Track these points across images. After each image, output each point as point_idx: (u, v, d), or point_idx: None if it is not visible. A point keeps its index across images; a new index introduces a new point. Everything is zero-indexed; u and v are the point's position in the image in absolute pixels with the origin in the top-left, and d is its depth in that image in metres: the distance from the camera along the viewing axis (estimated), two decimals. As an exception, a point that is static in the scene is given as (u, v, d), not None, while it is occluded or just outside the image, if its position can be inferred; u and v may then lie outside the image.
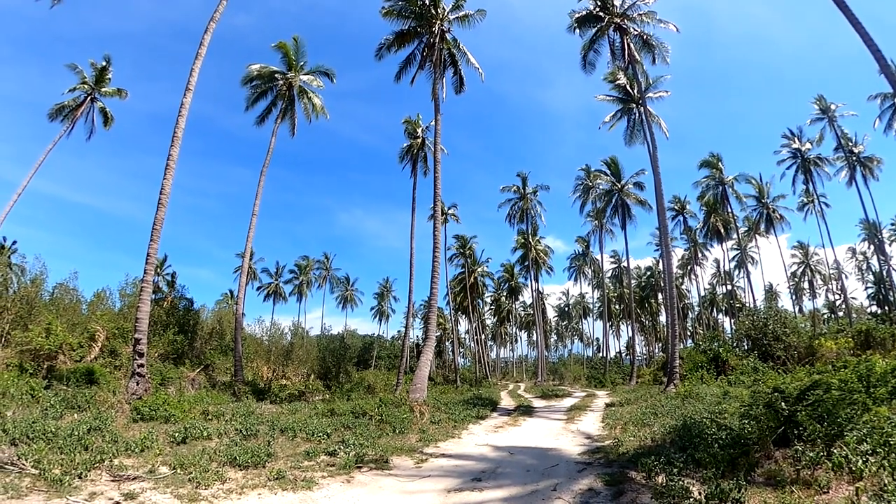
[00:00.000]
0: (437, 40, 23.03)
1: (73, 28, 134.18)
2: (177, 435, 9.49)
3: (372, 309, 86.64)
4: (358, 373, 35.29)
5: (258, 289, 73.55)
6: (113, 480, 6.59)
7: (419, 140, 35.00)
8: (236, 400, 18.38)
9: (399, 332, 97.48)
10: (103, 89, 32.63)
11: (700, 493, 5.57)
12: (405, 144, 35.56)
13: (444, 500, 6.58)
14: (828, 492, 5.17)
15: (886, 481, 4.70)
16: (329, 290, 78.38)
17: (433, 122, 24.72)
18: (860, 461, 5.44)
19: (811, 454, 6.06)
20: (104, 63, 32.42)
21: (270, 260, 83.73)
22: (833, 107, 40.80)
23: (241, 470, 7.56)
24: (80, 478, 6.53)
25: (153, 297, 20.92)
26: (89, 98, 32.44)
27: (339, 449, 9.29)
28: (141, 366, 14.93)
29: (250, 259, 30.94)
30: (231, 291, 70.79)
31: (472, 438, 12.37)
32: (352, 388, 24.84)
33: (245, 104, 27.87)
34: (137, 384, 14.60)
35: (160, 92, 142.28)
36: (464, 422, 14.92)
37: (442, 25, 23.19)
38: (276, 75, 27.83)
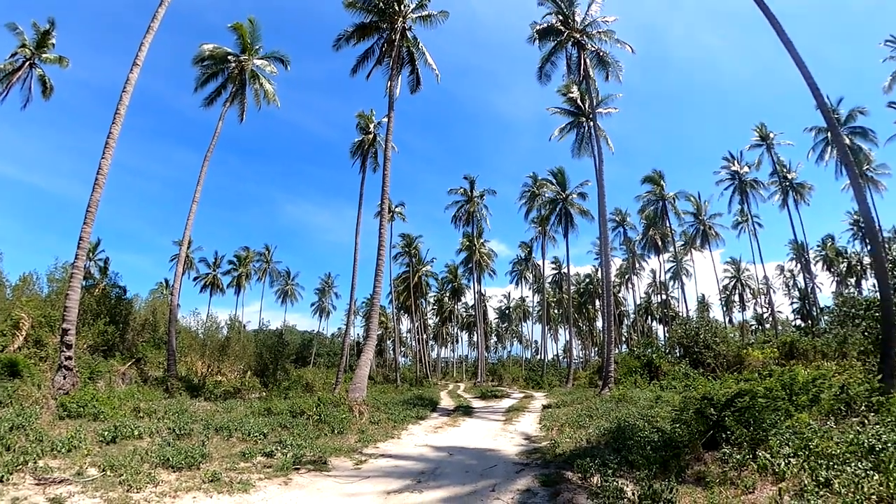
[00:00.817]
0: (397, 37, 22.78)
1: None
2: (106, 434, 8.87)
3: (312, 305, 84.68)
4: (296, 370, 34.28)
5: (195, 279, 69.93)
6: (38, 484, 6.06)
7: (371, 136, 34.49)
8: (169, 396, 17.46)
9: (340, 329, 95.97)
10: (44, 55, 29.85)
11: (633, 494, 5.76)
12: (357, 139, 34.94)
13: (384, 502, 6.49)
14: (753, 492, 5.48)
15: (806, 482, 5.03)
16: (269, 283, 75.83)
17: (386, 119, 24.42)
18: (783, 463, 5.81)
19: (738, 457, 6.41)
20: (48, 26, 29.69)
21: (209, 249, 79.68)
22: (772, 135, 44.19)
23: (174, 472, 7.17)
24: (0, 481, 5.98)
25: (84, 283, 19.35)
26: (28, 63, 29.63)
27: (277, 450, 9.01)
28: (69, 358, 13.76)
29: (188, 248, 29.35)
30: (166, 280, 66.96)
31: (412, 439, 12.30)
32: (289, 386, 24.09)
33: (195, 84, 26.35)
34: (65, 378, 13.44)
35: (107, 63, 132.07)
36: (404, 422, 14.84)
37: (404, 23, 22.98)
38: (228, 57, 26.51)
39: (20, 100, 30.37)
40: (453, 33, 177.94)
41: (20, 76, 29.47)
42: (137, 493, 6.04)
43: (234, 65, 26.69)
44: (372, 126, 34.62)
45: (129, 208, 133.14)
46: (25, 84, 30.12)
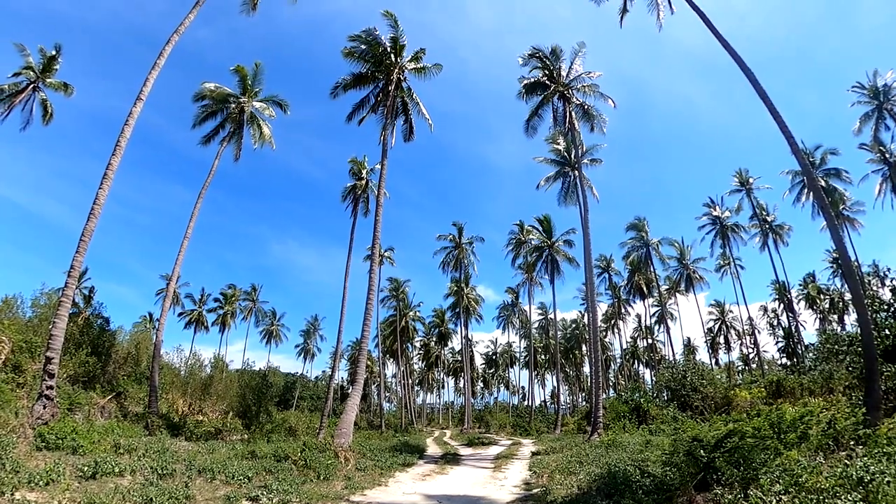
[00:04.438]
0: (392, 87, 23.69)
1: (26, 2, 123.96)
2: (86, 469, 8.60)
3: (297, 346, 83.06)
4: (279, 413, 33.25)
5: (179, 314, 68.59)
6: None
7: (363, 181, 35.17)
8: (149, 433, 16.92)
9: (324, 371, 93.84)
10: (48, 80, 30.23)
11: (629, 538, 5.72)
12: (349, 184, 35.58)
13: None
14: (745, 531, 5.48)
15: (797, 519, 5.09)
16: (254, 322, 74.59)
17: (379, 166, 25.05)
18: (774, 501, 5.89)
19: (730, 497, 6.47)
20: (54, 52, 30.15)
21: (196, 285, 78.46)
22: (751, 180, 46.03)
23: (157, 512, 6.94)
24: (-25, 514, 5.75)
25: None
26: (32, 87, 29.96)
27: (262, 494, 8.83)
28: (50, 387, 13.35)
29: (176, 283, 29.07)
30: (150, 314, 65.54)
31: (400, 487, 12.03)
32: (272, 429, 23.31)
33: (193, 121, 26.98)
34: (44, 407, 13.00)
35: (107, 92, 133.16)
36: (391, 469, 14.55)
37: (399, 74, 23.98)
38: (229, 98, 27.31)
39: (20, 121, 30.50)
40: (445, 83, 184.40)
41: (22, 98, 29.77)
42: None
43: (233, 105, 27.43)
44: (364, 172, 35.34)
45: (117, 238, 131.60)
46: (27, 106, 30.35)
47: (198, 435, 19.55)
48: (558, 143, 34.43)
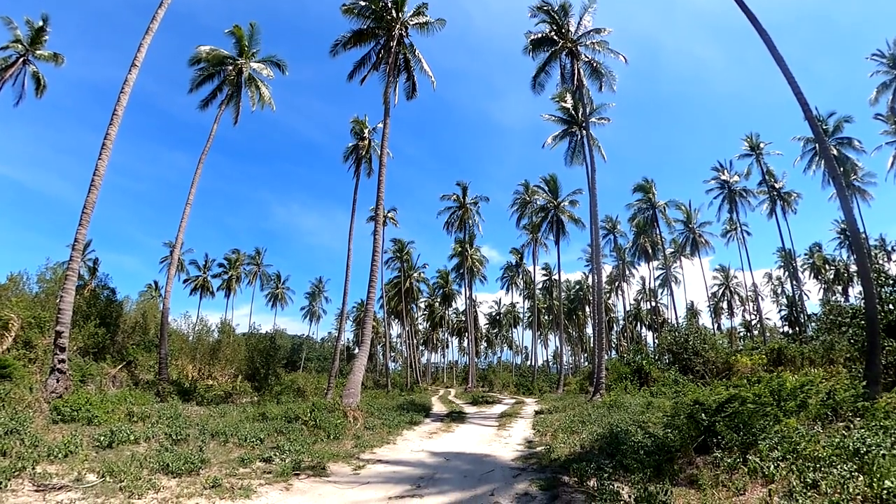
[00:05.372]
0: (394, 44, 22.93)
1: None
2: (102, 438, 8.81)
3: (302, 309, 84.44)
4: (287, 375, 34.15)
5: (185, 281, 69.43)
6: (37, 490, 5.99)
7: (366, 142, 34.61)
8: (161, 400, 17.28)
9: (330, 333, 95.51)
10: (38, 52, 29.59)
11: (629, 496, 5.94)
12: (350, 144, 35.03)
13: (387, 507, 6.54)
14: (744, 494, 5.68)
15: (795, 484, 5.25)
16: (259, 286, 75.54)
17: (381, 125, 24.55)
18: (772, 466, 6.03)
19: (729, 460, 6.63)
20: (41, 23, 29.38)
21: (199, 251, 79.20)
22: (761, 145, 45.04)
23: (174, 477, 7.15)
24: (0, 488, 5.90)
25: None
26: (22, 60, 29.34)
27: (275, 455, 9.04)
28: (62, 361, 13.59)
29: (180, 250, 29.27)
30: (156, 282, 66.47)
31: (408, 444, 12.39)
32: (281, 390, 23.97)
33: (189, 86, 26.32)
34: (58, 381, 13.27)
35: (101, 61, 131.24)
36: (398, 428, 14.93)
37: (401, 30, 23.15)
38: (226, 60, 26.54)
39: (12, 97, 30.10)
40: (449, 39, 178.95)
41: (13, 73, 29.23)
42: (139, 499, 6.01)
43: (230, 68, 26.72)
44: (367, 132, 34.75)
45: (118, 208, 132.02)
46: (18, 80, 29.87)
47: (208, 399, 20.03)
48: (566, 102, 33.53)
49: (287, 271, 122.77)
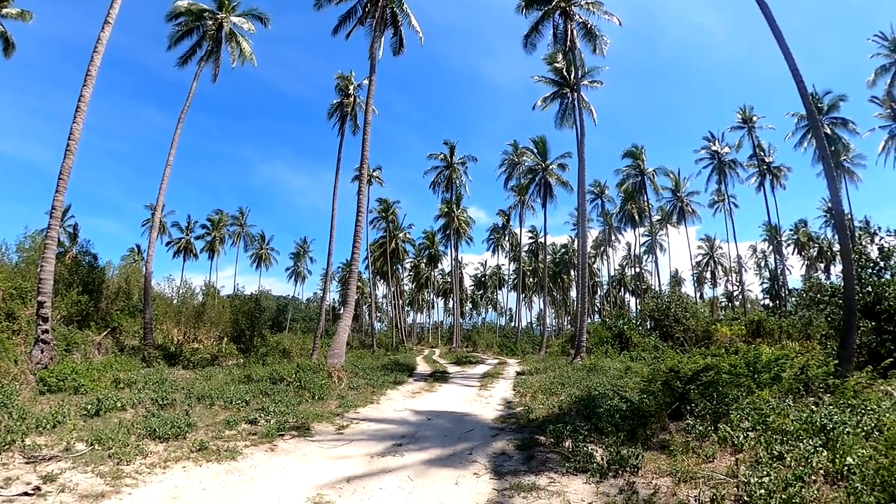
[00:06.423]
0: (380, -3, 22.01)
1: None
2: (90, 407, 8.83)
3: (287, 269, 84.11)
4: (273, 336, 34.25)
5: (167, 244, 68.31)
6: (27, 462, 6.00)
7: (351, 98, 33.65)
8: (147, 366, 17.30)
9: (315, 294, 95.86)
10: (4, 10, 27.60)
11: (602, 458, 6.16)
12: (335, 101, 34.02)
13: (368, 465, 6.77)
14: (713, 461, 5.92)
15: (762, 455, 5.46)
16: (243, 247, 74.76)
17: (367, 81, 23.89)
18: (741, 436, 6.27)
19: (700, 428, 6.87)
20: None
21: (182, 212, 77.75)
22: (754, 118, 44.84)
23: (161, 442, 7.25)
24: (-9, 462, 5.90)
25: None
26: None
27: (260, 416, 9.17)
28: (45, 331, 13.44)
29: (161, 212, 28.70)
30: (138, 246, 65.53)
31: (391, 404, 12.65)
32: (267, 352, 24.09)
33: (168, 42, 25.07)
34: (42, 352, 13.15)
35: (72, 18, 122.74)
36: (382, 387, 15.16)
37: (388, -18, 22.18)
38: (204, 14, 25.21)
39: None
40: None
41: None
42: (128, 465, 6.08)
43: (210, 22, 25.42)
44: (352, 88, 33.76)
45: (96, 171, 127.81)
46: None
47: (194, 363, 20.06)
48: (558, 63, 32.73)
49: (272, 231, 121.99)
